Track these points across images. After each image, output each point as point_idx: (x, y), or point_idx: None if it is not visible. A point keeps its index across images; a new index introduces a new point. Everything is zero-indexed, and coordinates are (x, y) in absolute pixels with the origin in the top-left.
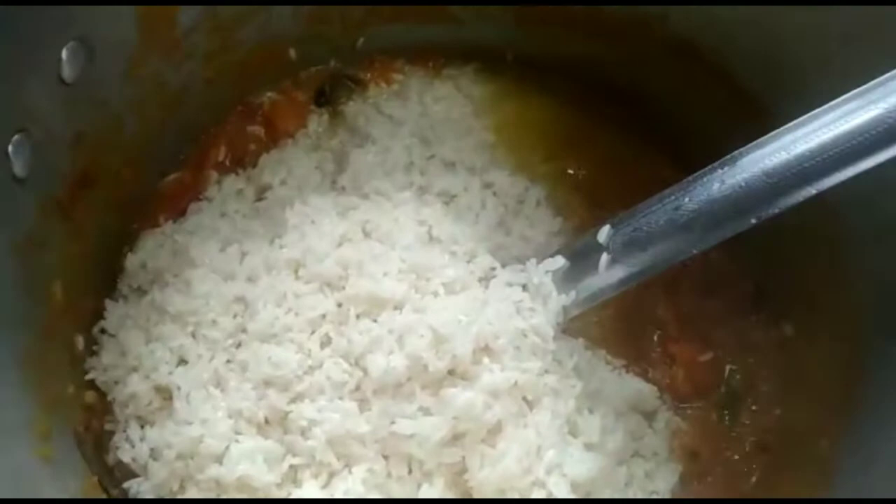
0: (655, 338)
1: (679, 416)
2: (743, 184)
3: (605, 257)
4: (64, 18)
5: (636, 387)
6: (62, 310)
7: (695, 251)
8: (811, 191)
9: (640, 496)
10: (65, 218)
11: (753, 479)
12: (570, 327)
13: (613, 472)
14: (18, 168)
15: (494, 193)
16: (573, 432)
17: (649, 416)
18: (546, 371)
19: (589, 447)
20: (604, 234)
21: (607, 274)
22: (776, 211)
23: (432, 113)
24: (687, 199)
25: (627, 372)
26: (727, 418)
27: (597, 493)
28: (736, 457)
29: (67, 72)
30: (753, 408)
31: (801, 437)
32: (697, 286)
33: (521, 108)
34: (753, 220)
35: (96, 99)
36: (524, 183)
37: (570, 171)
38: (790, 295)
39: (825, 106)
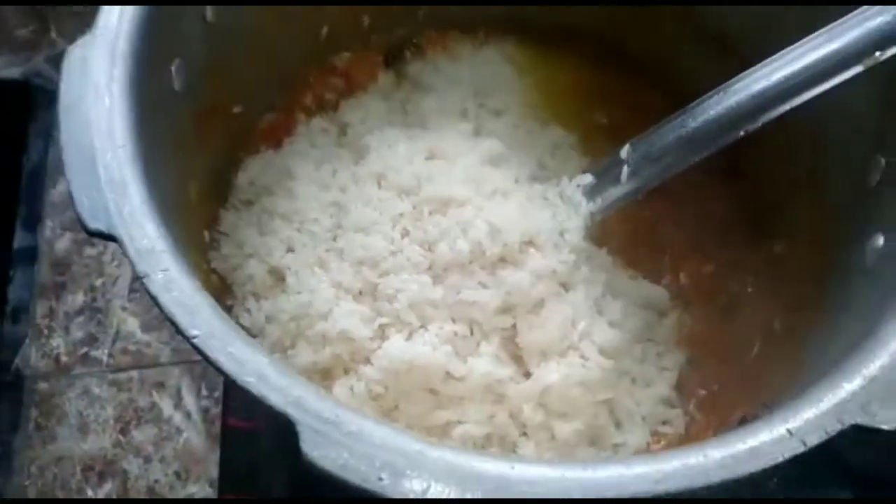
0: (666, 257)
1: (686, 314)
2: (734, 105)
3: (625, 169)
4: None
5: (651, 289)
6: (194, 206)
7: (695, 159)
8: (786, 107)
9: (653, 372)
10: (198, 132)
11: (754, 351)
12: (595, 241)
13: (632, 347)
14: (178, 83)
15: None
16: (600, 312)
17: (661, 313)
18: (579, 265)
19: (612, 324)
20: (625, 151)
21: (627, 184)
22: (759, 125)
23: (482, 72)
24: (690, 120)
25: (644, 279)
26: (727, 319)
27: (619, 360)
28: (735, 344)
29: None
30: (748, 311)
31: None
32: (699, 214)
33: (553, 71)
34: (742, 133)
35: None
36: (559, 131)
37: (600, 121)
38: (780, 217)
39: (795, 45)
